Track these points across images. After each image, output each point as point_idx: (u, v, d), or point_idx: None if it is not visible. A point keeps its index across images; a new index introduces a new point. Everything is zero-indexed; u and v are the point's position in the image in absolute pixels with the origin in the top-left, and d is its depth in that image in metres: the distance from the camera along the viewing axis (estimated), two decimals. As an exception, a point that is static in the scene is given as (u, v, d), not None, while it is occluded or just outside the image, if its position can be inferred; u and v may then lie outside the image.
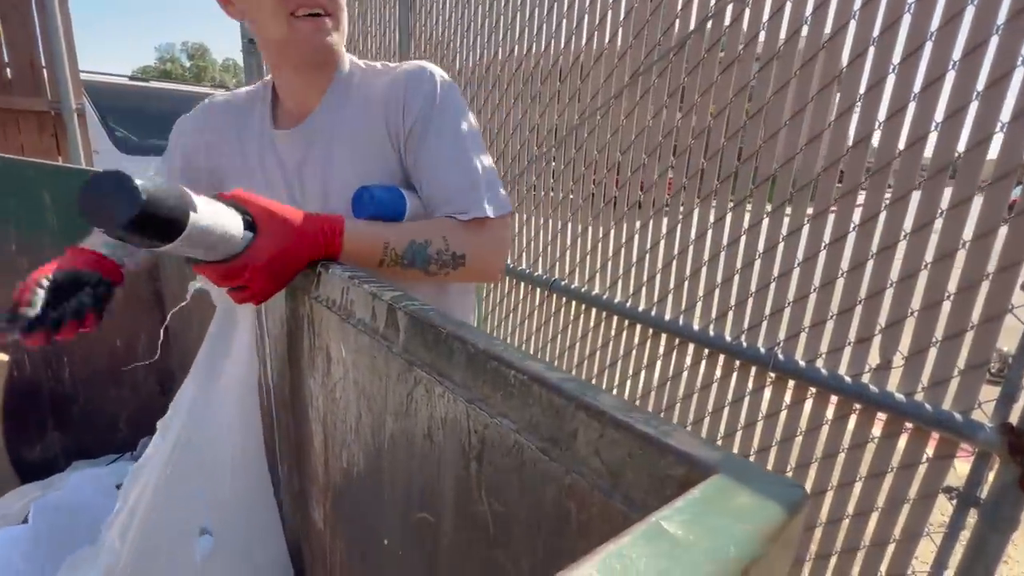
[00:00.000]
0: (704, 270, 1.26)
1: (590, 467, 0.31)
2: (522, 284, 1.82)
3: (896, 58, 0.92)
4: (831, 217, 1.04)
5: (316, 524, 0.75)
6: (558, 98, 1.54)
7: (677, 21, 1.20)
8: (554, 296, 1.69)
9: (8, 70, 2.41)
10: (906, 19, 0.91)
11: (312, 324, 0.65)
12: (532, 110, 1.63)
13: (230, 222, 0.52)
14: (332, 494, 0.68)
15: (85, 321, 0.65)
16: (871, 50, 0.95)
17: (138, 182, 0.44)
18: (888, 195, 0.96)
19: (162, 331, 0.84)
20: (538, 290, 1.75)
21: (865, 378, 1.03)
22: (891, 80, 0.93)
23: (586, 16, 1.42)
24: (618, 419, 0.30)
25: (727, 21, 1.11)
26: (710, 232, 1.23)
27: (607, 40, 1.37)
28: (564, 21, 1.48)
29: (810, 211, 1.06)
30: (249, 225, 0.55)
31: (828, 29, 1.00)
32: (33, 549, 0.69)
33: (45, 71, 2.51)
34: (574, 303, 1.62)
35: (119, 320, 1.32)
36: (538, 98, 1.60)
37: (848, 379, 1.04)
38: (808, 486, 1.15)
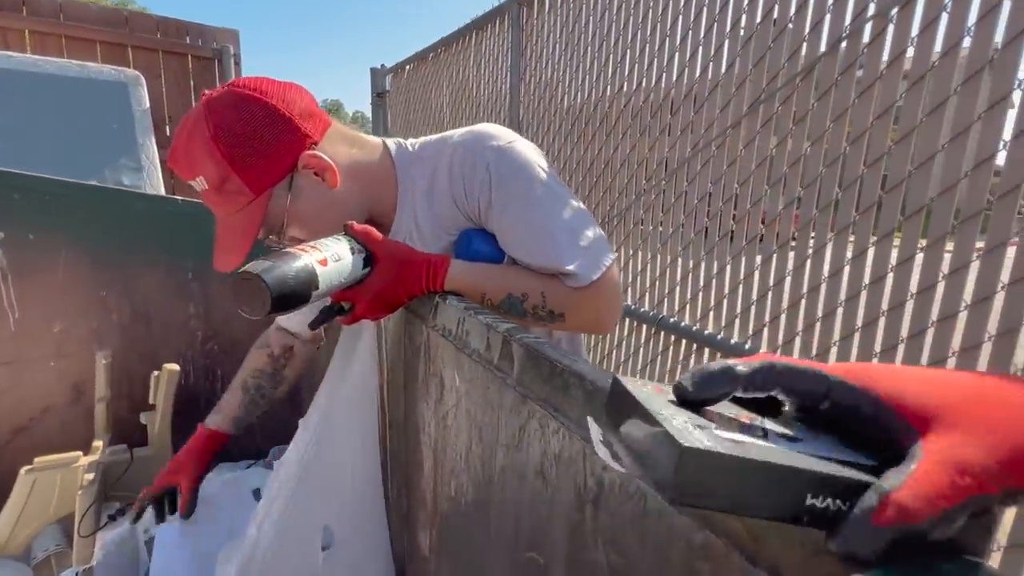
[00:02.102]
0: (840, 311, 1.12)
1: (727, 527, 0.28)
2: (626, 320, 1.76)
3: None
4: (1011, 251, 0.87)
5: (422, 549, 0.76)
6: (668, 131, 1.50)
7: (804, 44, 1.13)
8: (661, 334, 1.61)
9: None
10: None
11: (428, 351, 0.68)
12: (641, 144, 1.62)
13: (348, 268, 0.60)
14: (439, 521, 0.69)
15: None
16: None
17: (265, 280, 0.50)
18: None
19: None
20: (644, 327, 1.68)
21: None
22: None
23: (700, 48, 1.39)
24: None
25: (865, 39, 1.01)
26: (847, 268, 1.09)
27: (723, 70, 1.32)
28: (676, 55, 1.47)
29: (980, 244, 0.91)
30: (368, 260, 0.62)
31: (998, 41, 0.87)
32: (182, 525, 0.85)
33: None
34: (684, 342, 1.53)
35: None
36: (647, 132, 1.58)
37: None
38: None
